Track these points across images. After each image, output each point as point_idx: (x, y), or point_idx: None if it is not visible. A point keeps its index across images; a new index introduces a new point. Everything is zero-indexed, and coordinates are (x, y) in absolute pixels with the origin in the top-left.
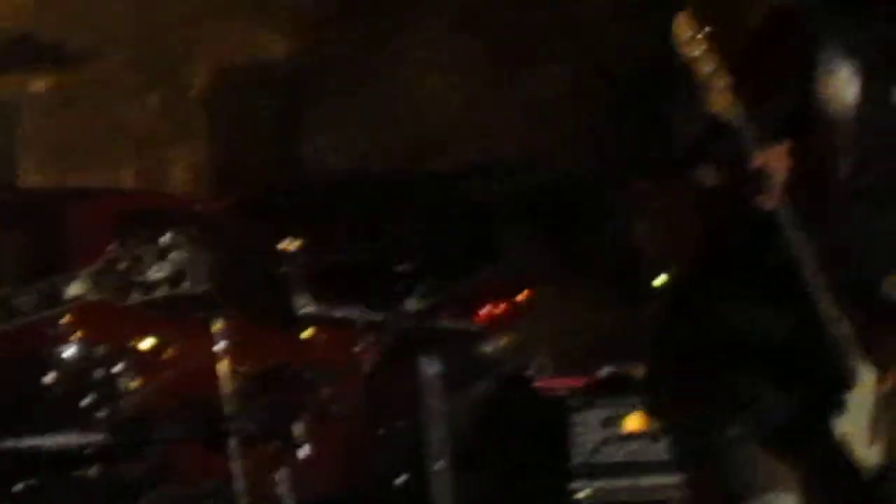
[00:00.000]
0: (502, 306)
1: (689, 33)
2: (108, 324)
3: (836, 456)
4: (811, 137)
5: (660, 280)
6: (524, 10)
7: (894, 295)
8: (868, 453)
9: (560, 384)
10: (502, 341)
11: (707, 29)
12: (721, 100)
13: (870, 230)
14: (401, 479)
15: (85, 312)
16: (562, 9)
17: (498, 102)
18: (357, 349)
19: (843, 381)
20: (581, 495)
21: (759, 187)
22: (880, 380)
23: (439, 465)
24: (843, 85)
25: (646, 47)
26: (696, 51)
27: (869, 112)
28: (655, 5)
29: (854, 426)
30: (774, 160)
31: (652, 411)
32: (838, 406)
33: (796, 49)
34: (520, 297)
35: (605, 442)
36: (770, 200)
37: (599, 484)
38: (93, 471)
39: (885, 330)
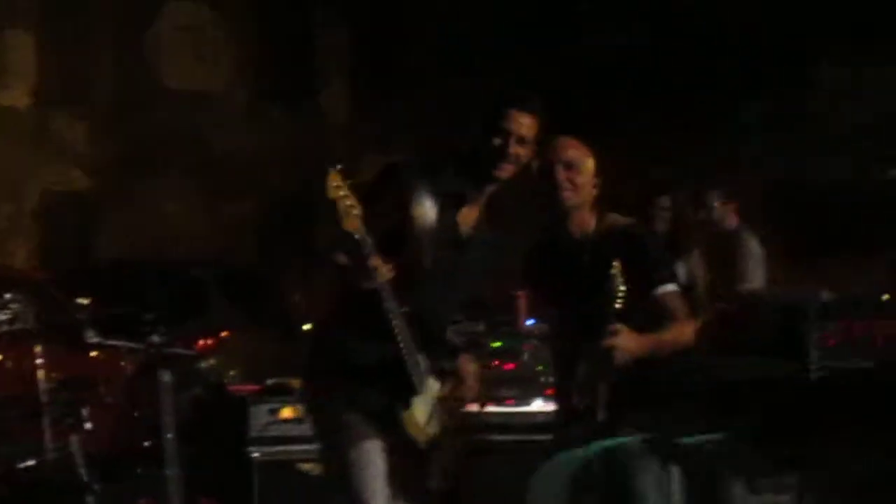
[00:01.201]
0: (211, 340)
1: (336, 183)
2: None
3: (406, 433)
4: (404, 246)
5: (307, 326)
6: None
7: (453, 339)
8: (427, 430)
9: (244, 388)
10: (210, 361)
11: (348, 181)
12: (353, 222)
13: (436, 299)
14: (148, 443)
15: None
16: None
17: (209, 222)
18: (123, 364)
19: (413, 388)
20: (255, 455)
21: (370, 274)
22: (441, 389)
23: (169, 435)
24: (426, 212)
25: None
26: (341, 192)
27: (439, 228)
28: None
29: (420, 414)
30: (379, 262)
31: (305, 408)
32: (407, 402)
33: (398, 191)
34: (222, 335)
35: (270, 423)
36: (374, 282)
37: (266, 450)
38: None
39: (448, 357)
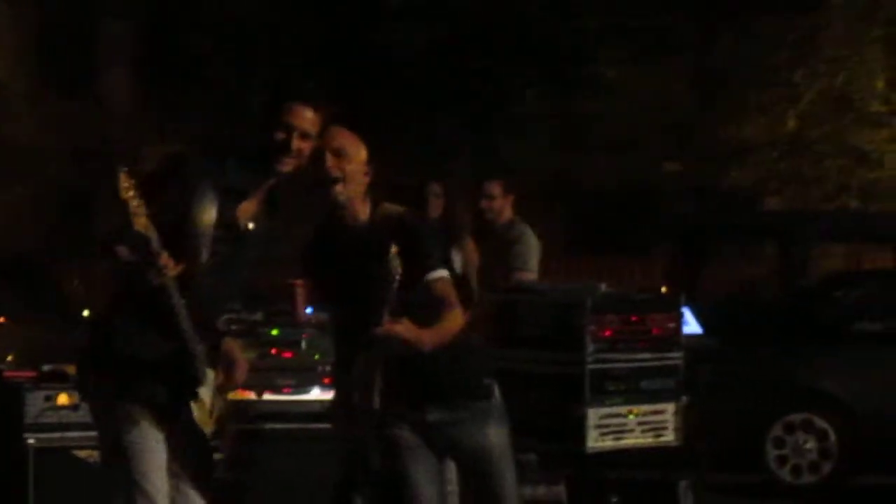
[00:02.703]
0: None
1: (126, 184)
2: None
3: (192, 423)
4: (187, 240)
5: (85, 312)
6: None
7: (222, 327)
8: (208, 422)
9: (20, 374)
10: None
11: (133, 182)
12: (142, 222)
13: (212, 291)
14: None
15: None
16: None
17: None
18: None
19: (197, 379)
20: (31, 442)
21: (158, 272)
22: (216, 377)
23: None
24: (208, 207)
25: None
26: (131, 192)
27: (219, 223)
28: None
29: (201, 405)
30: (166, 260)
31: (81, 394)
32: (193, 393)
33: (181, 183)
34: None
35: (45, 410)
36: (161, 279)
37: (42, 436)
38: None
39: (216, 346)
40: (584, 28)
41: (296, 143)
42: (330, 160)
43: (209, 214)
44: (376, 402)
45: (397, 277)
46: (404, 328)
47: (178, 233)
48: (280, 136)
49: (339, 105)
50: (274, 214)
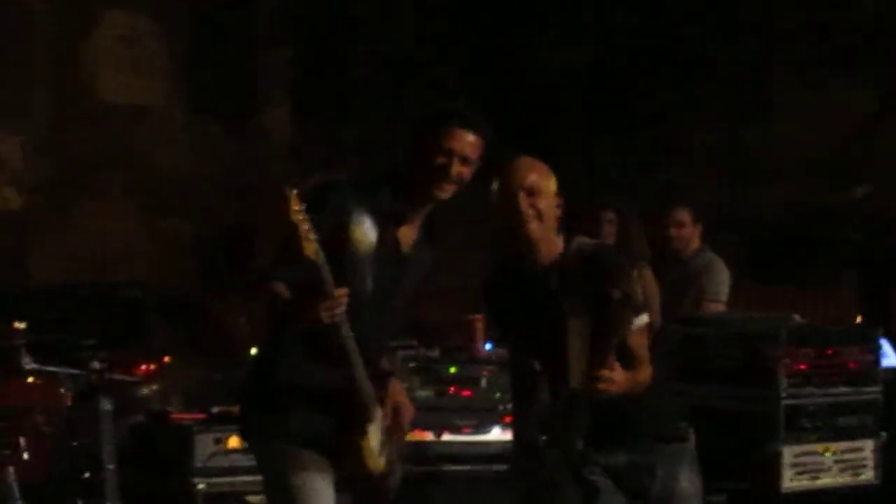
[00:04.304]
0: (152, 366)
1: (296, 206)
2: None
3: (360, 463)
4: (346, 266)
5: (252, 351)
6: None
7: (387, 365)
8: (381, 460)
9: (189, 416)
10: (152, 388)
11: (305, 205)
12: (312, 248)
13: (376, 322)
14: (87, 475)
15: None
16: None
17: (146, 245)
18: (61, 391)
19: (366, 416)
20: (201, 487)
21: (330, 306)
22: (384, 417)
23: (111, 466)
24: (366, 232)
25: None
26: (300, 216)
27: (380, 249)
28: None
29: (374, 442)
30: (340, 291)
31: (243, 436)
32: (362, 431)
33: (336, 210)
34: (164, 360)
35: (215, 454)
36: (333, 316)
37: (212, 481)
38: None
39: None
40: (755, 49)
41: (456, 169)
42: (523, 200)
43: (368, 238)
44: (580, 443)
45: (624, 320)
46: (619, 374)
47: (338, 262)
48: (440, 160)
49: (498, 130)
50: (432, 242)
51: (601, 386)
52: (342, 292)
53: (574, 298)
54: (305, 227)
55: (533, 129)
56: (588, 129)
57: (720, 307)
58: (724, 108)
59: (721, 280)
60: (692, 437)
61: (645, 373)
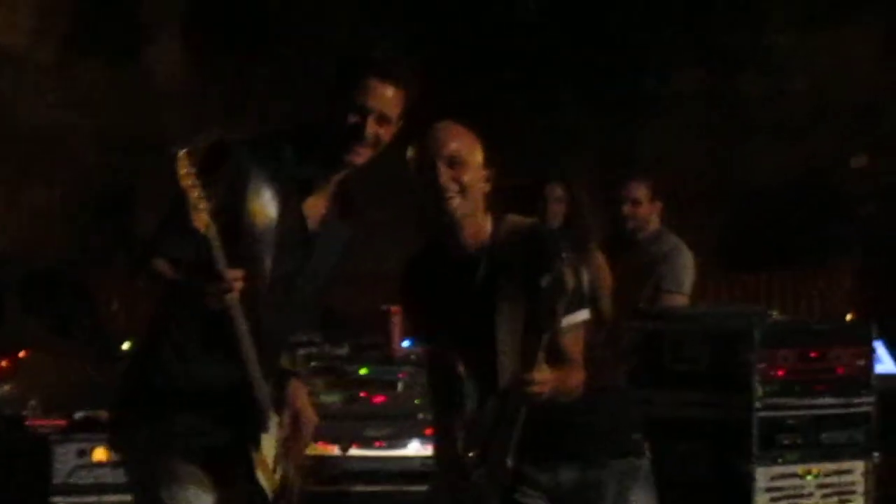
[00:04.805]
0: (4, 362)
1: (185, 169)
2: None
3: (250, 481)
4: (241, 242)
5: (126, 345)
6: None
7: (287, 363)
8: (269, 481)
9: (47, 423)
10: (5, 388)
11: (196, 167)
12: (203, 219)
13: (276, 311)
14: None
15: None
16: None
17: (4, 215)
18: None
19: (260, 425)
20: None
21: (221, 288)
22: (280, 426)
23: None
24: (266, 204)
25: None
26: (190, 181)
27: (282, 223)
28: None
29: (269, 456)
30: (233, 273)
31: (112, 446)
32: (255, 443)
33: (229, 177)
34: (20, 355)
35: (78, 468)
36: (223, 301)
37: (74, 500)
38: None
39: (281, 387)
40: None
41: (371, 128)
42: (443, 172)
43: (268, 212)
44: (510, 461)
45: (560, 305)
46: (549, 376)
47: (232, 237)
48: (353, 119)
49: (429, 80)
50: (348, 217)
51: (530, 389)
52: (237, 274)
53: (504, 287)
54: (195, 194)
55: (485, 82)
56: (548, 82)
57: (682, 300)
58: (712, 54)
59: (683, 269)
60: (647, 451)
61: (577, 377)
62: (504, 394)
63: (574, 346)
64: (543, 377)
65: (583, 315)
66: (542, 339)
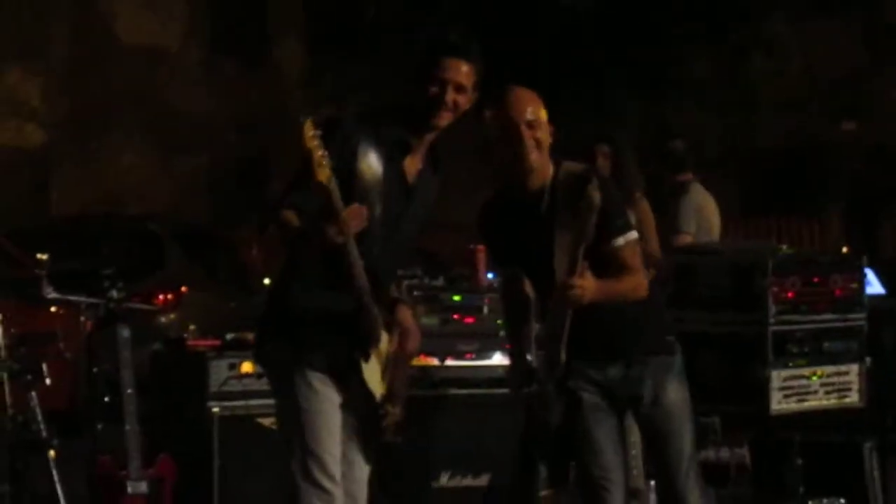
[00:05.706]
0: (170, 296)
1: (311, 133)
2: None
3: (363, 386)
4: (354, 194)
5: (266, 280)
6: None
7: (395, 292)
8: (384, 383)
9: (204, 343)
10: (170, 316)
11: (320, 131)
12: (325, 173)
13: (384, 250)
14: (107, 399)
15: None
16: None
17: (165, 177)
18: (82, 319)
19: (371, 340)
20: (215, 410)
21: (340, 228)
22: (390, 343)
23: (129, 391)
24: (372, 163)
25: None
26: (315, 142)
27: (387, 178)
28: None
29: (378, 366)
30: (349, 214)
31: (257, 360)
32: (366, 355)
33: (342, 143)
34: (181, 290)
35: (229, 379)
36: (343, 236)
37: (226, 404)
38: None
39: (375, 309)
40: None
41: (450, 96)
42: (525, 132)
43: (374, 170)
44: (563, 355)
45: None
46: (589, 281)
47: (347, 191)
48: (434, 90)
49: (507, 64)
50: (436, 172)
51: (569, 293)
52: (354, 209)
53: (561, 217)
54: (319, 153)
55: (542, 65)
56: (595, 67)
57: (682, 239)
58: (726, 42)
59: (681, 212)
60: (679, 351)
61: (633, 282)
62: (555, 300)
63: (632, 258)
64: (583, 283)
65: (635, 235)
66: (578, 249)
